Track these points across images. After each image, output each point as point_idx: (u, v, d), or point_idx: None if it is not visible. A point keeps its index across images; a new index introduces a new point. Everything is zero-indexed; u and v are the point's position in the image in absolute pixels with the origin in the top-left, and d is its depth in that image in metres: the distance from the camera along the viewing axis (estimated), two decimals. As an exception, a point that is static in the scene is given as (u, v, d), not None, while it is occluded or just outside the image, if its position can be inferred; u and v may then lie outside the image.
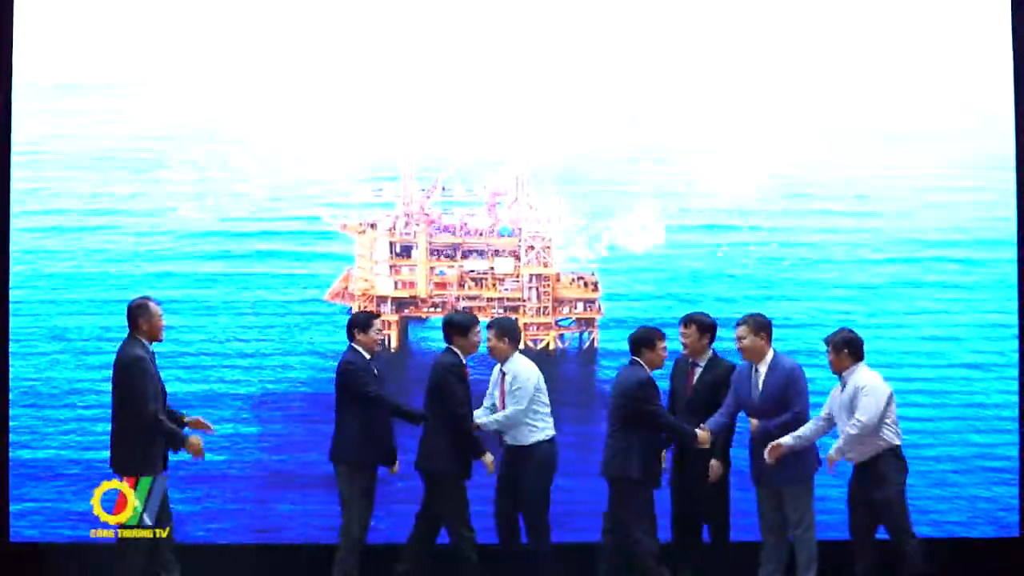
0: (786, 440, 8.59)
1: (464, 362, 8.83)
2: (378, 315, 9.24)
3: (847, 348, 8.64)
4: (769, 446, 8.60)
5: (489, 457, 8.84)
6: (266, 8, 10.23)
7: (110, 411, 8.60)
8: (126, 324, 8.46)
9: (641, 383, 8.60)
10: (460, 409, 8.75)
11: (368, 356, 8.86)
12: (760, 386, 8.78)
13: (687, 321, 9.02)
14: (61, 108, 10.11)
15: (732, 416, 8.92)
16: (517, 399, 8.90)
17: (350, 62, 10.19)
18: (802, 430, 8.62)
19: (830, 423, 8.69)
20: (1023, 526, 9.99)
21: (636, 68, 10.24)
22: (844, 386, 8.63)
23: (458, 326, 8.87)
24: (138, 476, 8.54)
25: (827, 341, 8.72)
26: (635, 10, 10.29)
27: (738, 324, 8.87)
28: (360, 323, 8.92)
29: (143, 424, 8.41)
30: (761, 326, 8.84)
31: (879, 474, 8.52)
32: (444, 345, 8.88)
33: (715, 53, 10.26)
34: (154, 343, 8.62)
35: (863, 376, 8.59)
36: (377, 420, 8.81)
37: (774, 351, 8.87)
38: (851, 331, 8.76)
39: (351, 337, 8.91)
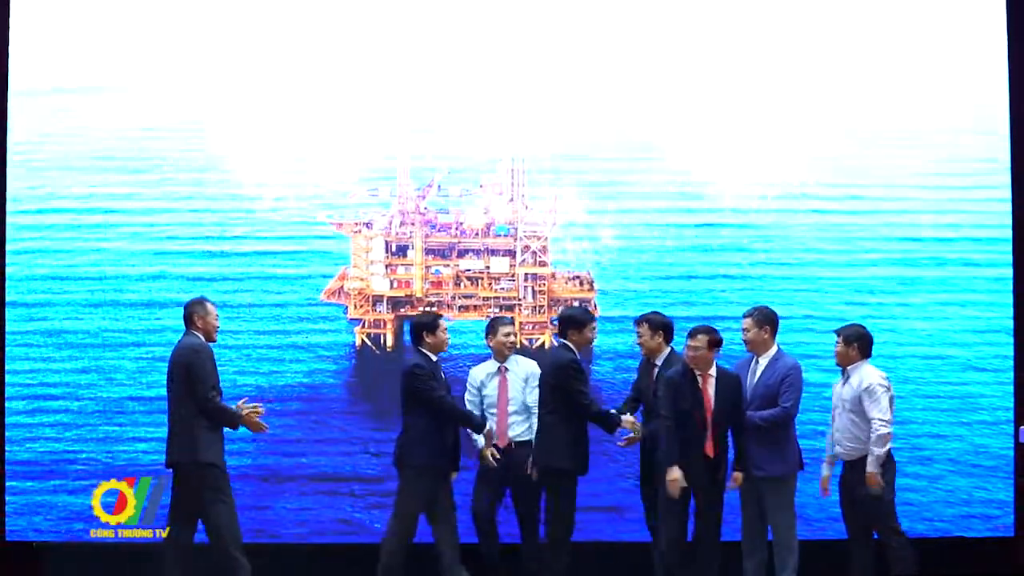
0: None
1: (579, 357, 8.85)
2: (441, 315, 9.17)
3: (857, 343, 8.69)
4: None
5: (629, 418, 8.88)
6: (261, 9, 10.22)
7: (167, 407, 8.66)
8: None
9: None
10: (584, 399, 8.71)
11: (434, 358, 8.81)
12: (756, 378, 8.83)
13: (640, 321, 9.08)
14: (57, 110, 10.10)
15: None
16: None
17: (345, 62, 10.19)
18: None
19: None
20: (1018, 525, 10.02)
21: (634, 65, 10.24)
22: (846, 380, 8.66)
23: (577, 322, 8.84)
24: (205, 466, 8.51)
25: (838, 332, 8.76)
26: (633, 7, 10.29)
27: (744, 315, 8.94)
28: (427, 325, 8.82)
29: (204, 411, 8.48)
30: (766, 319, 8.89)
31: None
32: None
33: (714, 52, 10.26)
34: (209, 343, 8.68)
35: (868, 374, 8.63)
36: (445, 425, 8.77)
37: (779, 347, 8.91)
38: (863, 327, 8.82)
39: (418, 340, 8.81)
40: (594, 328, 8.95)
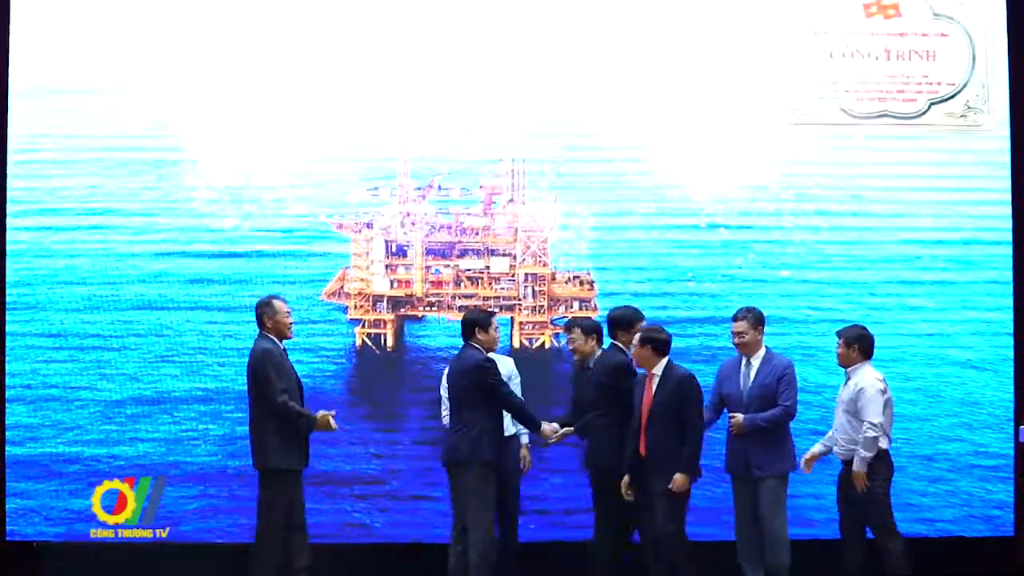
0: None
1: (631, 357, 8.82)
2: (494, 313, 9.19)
3: (857, 344, 8.76)
4: (734, 420, 8.79)
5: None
6: (261, 8, 10.21)
7: (248, 411, 8.74)
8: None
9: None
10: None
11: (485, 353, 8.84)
12: (751, 379, 8.86)
13: (570, 326, 9.23)
14: (57, 110, 10.08)
15: (718, 412, 9.02)
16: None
17: (346, 62, 10.18)
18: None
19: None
20: (1018, 525, 10.02)
21: (635, 66, 10.23)
22: (847, 380, 8.71)
23: (626, 322, 8.87)
24: (278, 470, 8.56)
25: (839, 334, 8.83)
26: (630, 8, 10.28)
27: (737, 318, 8.96)
28: (481, 322, 8.84)
29: (275, 415, 8.51)
30: (759, 320, 8.97)
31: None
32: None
33: (713, 53, 10.25)
34: (284, 340, 8.74)
35: (865, 376, 8.67)
36: (501, 420, 8.80)
37: (766, 347, 8.97)
38: (864, 328, 8.87)
39: (470, 336, 8.83)
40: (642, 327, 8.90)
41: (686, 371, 8.67)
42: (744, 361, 8.97)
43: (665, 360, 8.63)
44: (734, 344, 9.00)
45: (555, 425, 8.96)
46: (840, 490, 8.84)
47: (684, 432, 8.51)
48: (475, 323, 8.85)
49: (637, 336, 8.69)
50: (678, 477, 8.49)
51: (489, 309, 9.48)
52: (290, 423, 8.57)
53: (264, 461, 8.59)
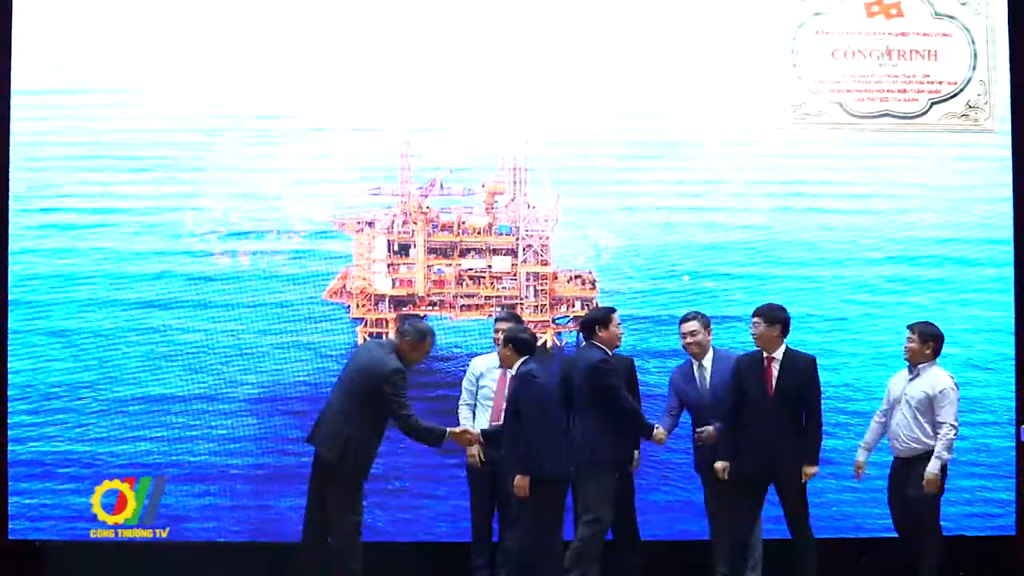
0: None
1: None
2: (614, 309, 9.11)
3: (934, 343, 8.78)
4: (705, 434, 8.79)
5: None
6: (264, 9, 10.21)
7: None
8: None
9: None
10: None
11: (609, 353, 8.79)
12: (708, 382, 8.98)
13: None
14: (61, 109, 10.06)
15: (676, 419, 9.08)
16: None
17: (348, 61, 10.19)
18: (867, 437, 8.85)
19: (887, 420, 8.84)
20: (1019, 524, 10.04)
21: (636, 64, 10.24)
22: (914, 378, 8.73)
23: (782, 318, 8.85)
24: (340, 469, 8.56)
25: (914, 329, 8.82)
26: (631, 9, 10.30)
27: (688, 319, 9.11)
28: (601, 319, 8.82)
29: (403, 429, 8.58)
30: (709, 322, 9.10)
31: (921, 473, 8.59)
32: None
33: (715, 51, 10.27)
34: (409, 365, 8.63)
35: (943, 378, 8.74)
36: (621, 421, 8.73)
37: (713, 347, 9.07)
38: (938, 327, 8.89)
39: (591, 335, 8.82)
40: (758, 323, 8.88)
41: (525, 369, 8.55)
42: (696, 365, 9.02)
43: (521, 359, 8.59)
44: (684, 346, 9.07)
45: (662, 430, 8.88)
46: (894, 487, 8.82)
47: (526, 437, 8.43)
48: (595, 321, 8.84)
49: (503, 335, 8.70)
50: (517, 479, 8.41)
51: (606, 306, 9.39)
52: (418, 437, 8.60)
53: (365, 468, 8.58)
